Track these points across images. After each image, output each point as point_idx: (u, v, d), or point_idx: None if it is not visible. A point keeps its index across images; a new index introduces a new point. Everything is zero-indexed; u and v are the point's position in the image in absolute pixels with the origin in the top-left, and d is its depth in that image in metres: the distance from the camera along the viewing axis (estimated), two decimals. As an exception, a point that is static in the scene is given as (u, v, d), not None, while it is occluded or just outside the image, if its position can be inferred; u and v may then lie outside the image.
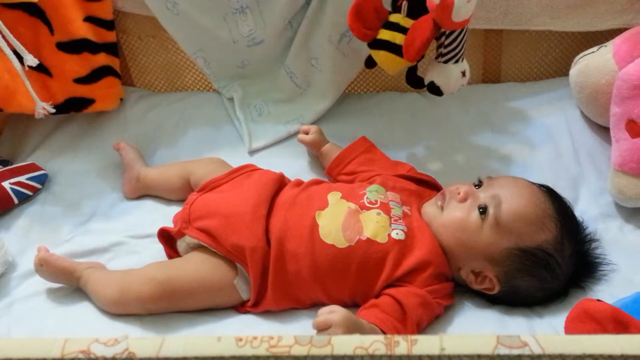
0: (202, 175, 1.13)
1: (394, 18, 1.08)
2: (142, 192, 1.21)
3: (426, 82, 1.12)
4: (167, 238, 1.08)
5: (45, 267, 1.03)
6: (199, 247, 1.03)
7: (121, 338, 0.54)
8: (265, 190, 1.04)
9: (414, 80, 1.17)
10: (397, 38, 1.07)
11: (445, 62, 1.08)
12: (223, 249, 1.00)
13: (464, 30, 1.05)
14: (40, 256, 1.03)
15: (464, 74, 1.10)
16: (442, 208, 1.01)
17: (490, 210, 0.96)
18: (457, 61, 1.08)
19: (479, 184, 1.03)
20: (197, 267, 1.00)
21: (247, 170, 1.12)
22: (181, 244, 1.06)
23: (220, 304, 1.01)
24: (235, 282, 0.99)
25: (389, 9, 1.10)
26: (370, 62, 1.16)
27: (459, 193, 1.00)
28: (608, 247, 1.05)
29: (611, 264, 1.03)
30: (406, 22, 1.07)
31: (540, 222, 0.96)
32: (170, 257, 1.08)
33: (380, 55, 1.10)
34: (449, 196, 1.01)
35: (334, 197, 1.02)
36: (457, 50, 1.07)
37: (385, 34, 1.08)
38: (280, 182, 1.08)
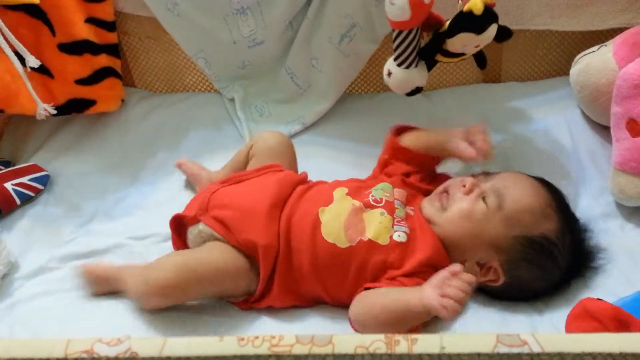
0: (258, 148, 1.14)
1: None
2: None
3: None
4: (178, 227, 1.07)
5: (88, 277, 1.03)
6: (214, 239, 1.03)
7: (124, 338, 0.54)
8: (285, 191, 1.04)
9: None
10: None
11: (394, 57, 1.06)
12: (234, 241, 1.00)
13: (402, 34, 1.01)
14: (86, 269, 1.03)
15: (389, 74, 1.07)
16: (442, 204, 1.01)
17: (496, 200, 0.97)
18: (400, 64, 1.04)
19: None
20: (216, 253, 0.99)
21: (274, 169, 1.11)
22: (192, 231, 1.05)
23: (235, 290, 1.00)
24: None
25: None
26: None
27: (464, 185, 1.00)
28: (609, 246, 1.06)
29: (607, 250, 1.03)
30: None
31: (542, 211, 0.98)
32: (176, 246, 1.08)
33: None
34: (453, 190, 1.02)
35: (339, 193, 1.03)
36: (398, 51, 1.03)
37: None
38: (300, 183, 1.08)
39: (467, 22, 0.98)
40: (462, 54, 1.05)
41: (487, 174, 1.04)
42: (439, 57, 1.07)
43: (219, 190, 1.07)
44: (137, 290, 0.98)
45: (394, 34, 1.02)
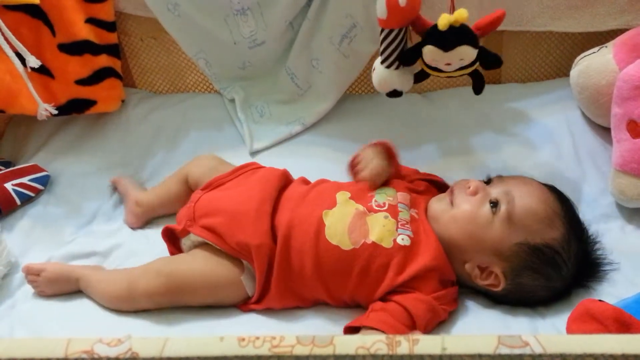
0: (200, 173, 1.13)
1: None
2: (146, 216, 1.18)
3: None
4: (171, 236, 1.08)
5: (43, 275, 1.03)
6: (203, 245, 1.04)
7: (124, 338, 0.54)
8: (270, 187, 1.04)
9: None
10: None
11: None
12: (228, 247, 1.00)
13: (384, 32, 1.01)
14: (36, 266, 1.03)
15: (373, 69, 1.08)
16: (451, 202, 1.01)
17: (503, 205, 0.97)
18: (382, 61, 1.05)
19: (487, 181, 1.03)
20: (203, 263, 1.01)
21: (252, 167, 1.12)
22: (185, 242, 1.07)
23: (226, 299, 1.01)
24: (242, 278, 0.99)
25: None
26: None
27: (469, 187, 1.00)
28: (609, 248, 1.05)
29: (614, 263, 1.03)
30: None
31: (549, 220, 0.97)
32: (173, 255, 1.08)
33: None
34: (458, 190, 1.02)
35: (342, 197, 1.03)
36: (381, 48, 1.04)
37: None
38: (285, 179, 1.09)
39: (433, 35, 0.97)
40: (452, 70, 1.03)
41: (501, 177, 1.04)
42: (429, 70, 1.05)
43: (202, 198, 1.07)
44: (117, 295, 1.00)
45: (382, 32, 1.03)
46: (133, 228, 1.18)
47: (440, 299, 0.96)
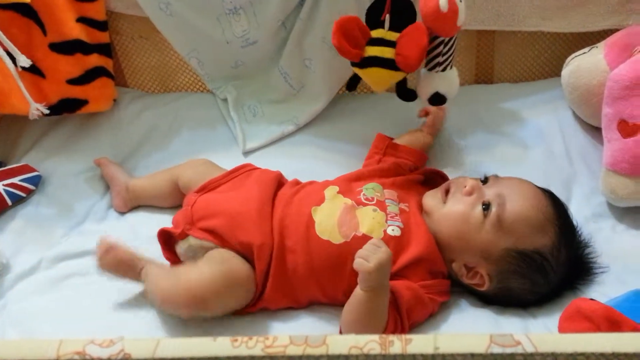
0: (190, 177, 1.13)
1: (377, 34, 1.08)
2: (133, 203, 1.19)
3: (429, 94, 1.13)
4: (166, 239, 1.07)
5: (112, 254, 0.98)
6: (210, 249, 1.01)
7: (117, 339, 0.54)
8: (268, 188, 1.04)
9: (405, 93, 1.15)
10: (385, 52, 1.07)
11: (444, 69, 1.10)
12: (230, 247, 0.99)
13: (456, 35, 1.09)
14: (109, 242, 0.99)
15: None
16: (444, 199, 1.01)
17: (494, 208, 0.97)
18: (451, 67, 1.12)
19: (484, 181, 1.03)
20: (235, 261, 0.97)
21: (246, 169, 1.12)
22: (182, 245, 1.04)
23: (242, 298, 0.97)
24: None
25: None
26: (353, 84, 1.17)
27: (465, 186, 1.00)
28: (600, 247, 1.06)
29: (603, 266, 1.03)
30: (391, 35, 1.08)
31: (540, 226, 0.96)
32: (168, 258, 1.07)
33: (370, 73, 1.09)
34: (455, 188, 1.02)
35: (330, 192, 1.03)
36: (453, 56, 1.09)
37: (372, 50, 1.07)
38: (279, 181, 1.09)
39: None
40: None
41: (497, 178, 1.04)
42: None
43: (198, 201, 1.06)
44: (158, 300, 0.95)
45: (451, 42, 1.09)
46: (121, 212, 1.19)
47: (427, 288, 0.96)
